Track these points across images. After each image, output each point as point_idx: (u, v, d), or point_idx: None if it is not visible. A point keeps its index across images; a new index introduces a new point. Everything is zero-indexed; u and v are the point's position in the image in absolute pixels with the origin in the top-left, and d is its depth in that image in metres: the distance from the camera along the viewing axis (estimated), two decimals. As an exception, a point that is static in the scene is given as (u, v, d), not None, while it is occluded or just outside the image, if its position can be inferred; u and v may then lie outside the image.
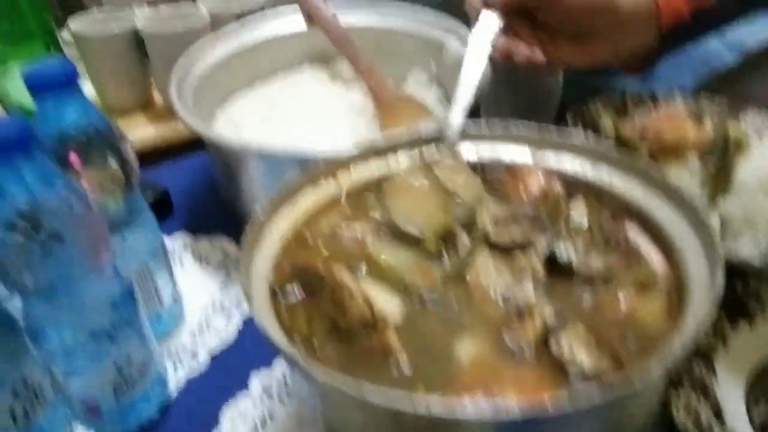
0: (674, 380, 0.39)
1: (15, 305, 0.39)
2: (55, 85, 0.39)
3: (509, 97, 0.65)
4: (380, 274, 0.37)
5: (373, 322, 0.33)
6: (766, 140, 0.52)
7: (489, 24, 0.52)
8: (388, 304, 0.34)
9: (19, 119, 0.33)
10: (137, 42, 0.78)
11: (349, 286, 0.33)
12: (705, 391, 0.39)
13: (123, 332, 0.41)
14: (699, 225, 0.35)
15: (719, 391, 0.39)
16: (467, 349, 0.32)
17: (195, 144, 0.68)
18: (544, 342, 0.32)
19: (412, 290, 0.36)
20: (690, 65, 0.69)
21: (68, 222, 0.35)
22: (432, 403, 0.27)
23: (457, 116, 0.45)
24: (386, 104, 0.64)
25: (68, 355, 0.40)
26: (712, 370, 0.40)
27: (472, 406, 0.27)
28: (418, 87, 0.67)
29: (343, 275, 0.34)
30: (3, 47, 0.74)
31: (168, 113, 0.80)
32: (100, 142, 0.41)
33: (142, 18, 0.77)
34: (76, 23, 0.77)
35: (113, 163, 0.42)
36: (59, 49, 0.77)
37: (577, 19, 0.52)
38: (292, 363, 0.31)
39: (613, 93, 0.60)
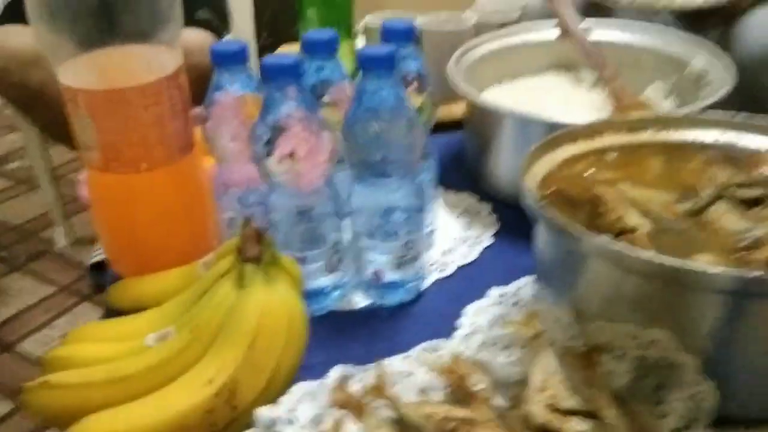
0: None
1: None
2: (403, 37, 0.55)
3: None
4: (631, 201, 0.46)
5: (626, 228, 0.42)
6: None
7: None
8: (638, 220, 0.43)
9: (390, 48, 0.49)
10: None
11: (609, 199, 0.43)
12: None
13: (413, 223, 0.54)
14: None
15: None
16: (705, 260, 0.40)
17: (444, 126, 0.83)
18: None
19: (658, 216, 0.44)
20: None
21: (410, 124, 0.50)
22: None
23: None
24: (625, 108, 0.72)
25: (373, 231, 0.53)
26: None
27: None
28: (657, 97, 0.75)
29: (605, 190, 0.44)
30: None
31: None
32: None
33: (422, 20, 0.95)
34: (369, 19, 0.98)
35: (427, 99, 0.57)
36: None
37: None
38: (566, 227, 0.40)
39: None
